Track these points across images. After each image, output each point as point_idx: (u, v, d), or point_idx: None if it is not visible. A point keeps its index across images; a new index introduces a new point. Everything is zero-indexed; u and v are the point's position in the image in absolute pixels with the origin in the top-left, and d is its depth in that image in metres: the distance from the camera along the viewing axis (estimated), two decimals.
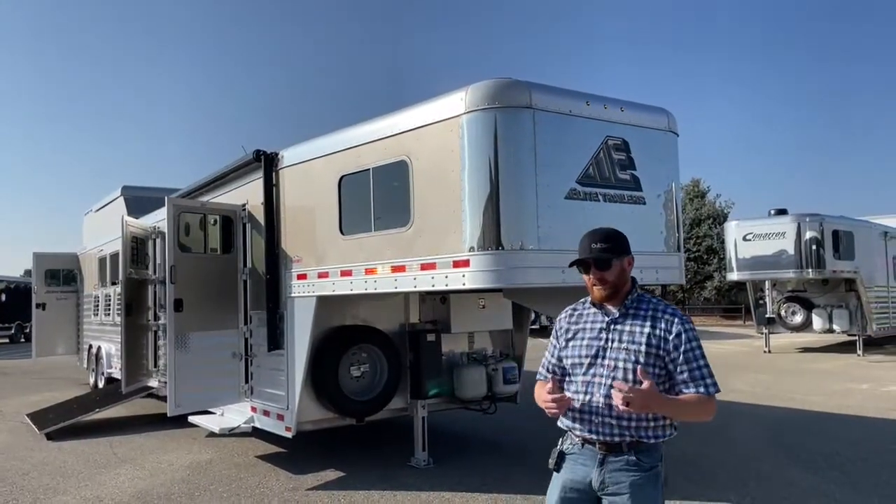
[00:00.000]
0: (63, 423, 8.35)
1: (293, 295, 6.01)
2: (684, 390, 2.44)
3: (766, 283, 17.39)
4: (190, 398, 6.37)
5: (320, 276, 5.72)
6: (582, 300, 2.68)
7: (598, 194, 4.73)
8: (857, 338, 16.09)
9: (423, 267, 4.80)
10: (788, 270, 15.45)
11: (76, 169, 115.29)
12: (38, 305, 13.39)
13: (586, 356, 2.51)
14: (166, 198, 6.47)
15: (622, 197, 4.88)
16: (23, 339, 29.00)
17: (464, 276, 4.53)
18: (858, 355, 15.65)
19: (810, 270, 15.14)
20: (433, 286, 4.78)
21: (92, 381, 12.35)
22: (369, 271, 5.25)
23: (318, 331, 5.92)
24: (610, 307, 2.56)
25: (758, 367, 14.07)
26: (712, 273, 32.41)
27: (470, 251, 4.50)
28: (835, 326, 16.35)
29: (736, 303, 31.95)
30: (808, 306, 16.81)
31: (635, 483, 2.43)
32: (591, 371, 2.49)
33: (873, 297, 16.17)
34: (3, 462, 7.06)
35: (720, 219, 33.06)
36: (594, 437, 2.47)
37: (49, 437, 8.14)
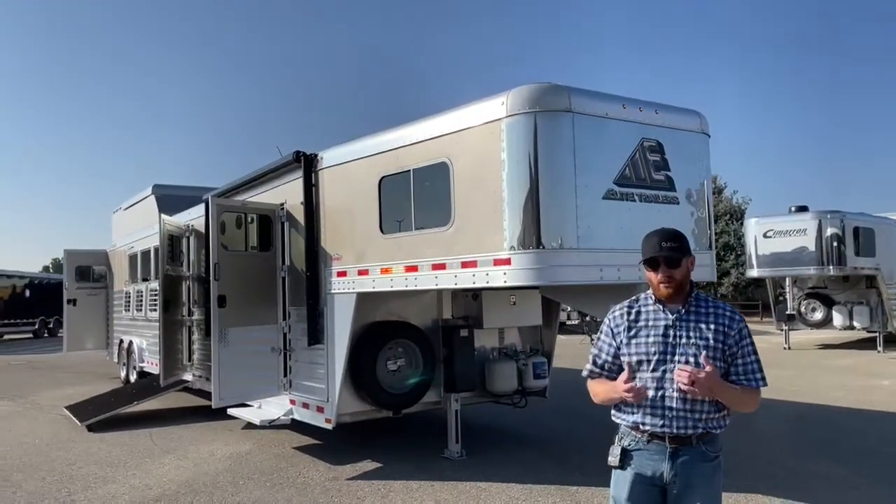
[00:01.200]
0: (103, 414, 8.61)
1: (333, 292, 6.21)
2: (736, 382, 2.58)
3: (787, 279, 17.43)
4: (232, 391, 6.59)
5: (360, 273, 5.91)
6: (634, 297, 2.75)
7: (634, 194, 4.88)
8: (877, 334, 16.14)
9: (465, 265, 4.98)
10: (809, 267, 15.51)
11: (83, 170, 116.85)
12: (69, 301, 13.68)
13: (654, 353, 2.57)
14: (210, 197, 6.68)
15: (657, 197, 5.03)
16: (46, 335, 29.51)
17: (505, 273, 4.70)
18: (879, 352, 15.68)
19: (831, 267, 15.19)
20: (474, 283, 4.95)
21: (123, 374, 12.64)
22: (409, 269, 5.43)
23: (357, 326, 6.11)
24: (672, 305, 2.63)
25: (779, 363, 14.12)
26: (729, 269, 32.34)
27: (511, 250, 4.67)
28: (855, 323, 16.41)
29: (753, 299, 31.89)
30: (829, 303, 16.87)
31: (706, 473, 2.57)
32: (662, 367, 2.55)
33: (893, 294, 16.18)
34: (50, 452, 7.32)
35: (737, 215, 33.01)
36: (666, 431, 2.54)
37: (90, 428, 8.40)
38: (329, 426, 6.23)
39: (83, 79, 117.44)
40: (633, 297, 2.76)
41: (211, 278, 6.41)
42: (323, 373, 6.30)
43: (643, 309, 2.68)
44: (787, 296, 17.74)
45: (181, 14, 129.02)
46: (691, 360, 2.53)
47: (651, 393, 2.55)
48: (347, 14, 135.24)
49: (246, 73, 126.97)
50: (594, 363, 2.75)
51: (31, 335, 29.18)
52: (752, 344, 2.63)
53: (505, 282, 4.73)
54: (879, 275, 15.75)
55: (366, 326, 6.33)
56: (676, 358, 2.55)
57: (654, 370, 2.57)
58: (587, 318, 20.11)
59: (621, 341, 2.67)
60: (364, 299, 6.01)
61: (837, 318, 16.65)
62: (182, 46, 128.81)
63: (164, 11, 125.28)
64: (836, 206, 15.74)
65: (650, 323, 2.63)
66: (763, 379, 2.60)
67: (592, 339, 2.88)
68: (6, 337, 28.40)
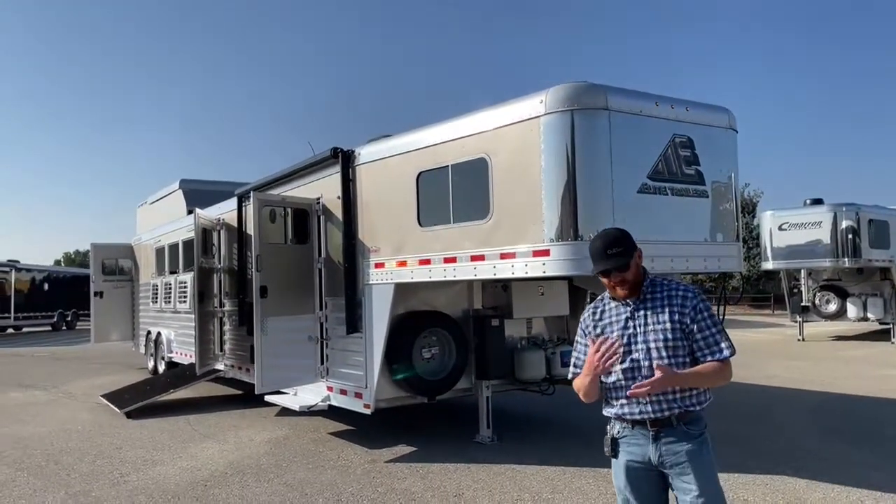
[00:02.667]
0: (141, 402, 8.90)
1: (371, 282, 6.46)
2: (701, 358, 2.65)
3: (802, 271, 17.61)
4: (273, 378, 6.86)
5: (398, 264, 6.15)
6: (599, 297, 2.88)
7: (666, 188, 5.11)
8: (891, 326, 16.30)
9: (503, 256, 5.22)
10: (824, 259, 15.69)
11: (84, 169, 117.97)
12: (96, 294, 13.98)
13: (620, 346, 2.68)
14: (252, 192, 6.94)
15: (687, 191, 5.25)
16: (64, 328, 29.96)
17: (544, 264, 4.94)
18: (892, 343, 15.84)
19: (846, 259, 15.37)
20: (513, 274, 5.19)
21: (151, 365, 12.95)
22: (448, 260, 5.67)
23: (394, 315, 6.35)
24: (629, 297, 2.74)
25: (793, 354, 14.32)
26: None
27: (550, 241, 4.91)
28: (869, 315, 16.59)
29: (764, 292, 32.00)
30: (843, 295, 17.04)
31: (691, 451, 2.63)
32: (629, 358, 2.66)
33: None
34: (94, 438, 7.60)
35: (748, 208, 33.09)
36: (645, 416, 2.64)
37: (128, 415, 8.69)
38: (368, 411, 6.49)
39: (82, 74, 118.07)
40: (599, 297, 2.88)
41: (254, 270, 6.66)
42: (360, 360, 6.55)
43: (606, 307, 2.81)
44: (802, 288, 17.92)
45: (187, 12, 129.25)
46: (652, 345, 2.65)
47: (624, 384, 2.66)
48: (353, 14, 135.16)
49: (247, 74, 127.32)
50: (575, 365, 2.87)
51: (49, 328, 29.63)
52: (711, 317, 2.69)
53: (544, 272, 4.96)
54: (894, 267, 15.93)
55: (402, 315, 6.58)
56: (640, 346, 2.67)
57: (622, 362, 2.68)
58: None
59: (593, 340, 2.77)
60: (401, 289, 6.25)
61: (851, 310, 16.83)
62: (185, 45, 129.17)
63: (164, 7, 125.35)
64: (848, 198, 15.85)
65: (613, 319, 2.76)
66: (728, 349, 2.65)
67: None
68: (25, 329, 28.88)
